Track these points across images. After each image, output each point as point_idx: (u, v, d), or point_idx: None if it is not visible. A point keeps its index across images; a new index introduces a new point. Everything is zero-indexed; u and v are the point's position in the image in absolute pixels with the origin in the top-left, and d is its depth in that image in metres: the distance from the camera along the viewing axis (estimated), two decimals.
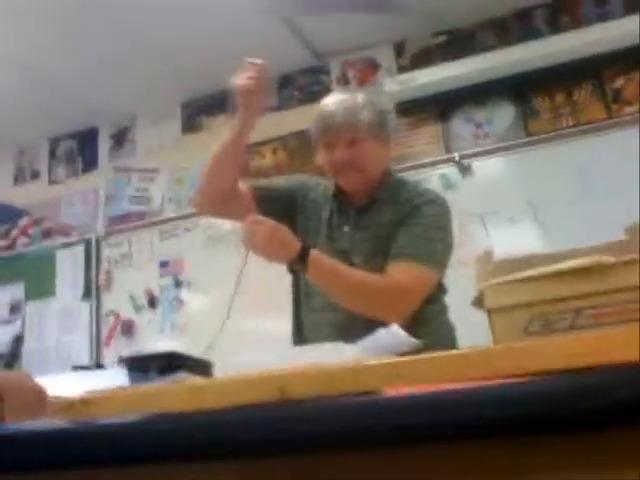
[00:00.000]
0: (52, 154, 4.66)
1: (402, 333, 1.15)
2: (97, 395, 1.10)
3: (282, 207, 1.88)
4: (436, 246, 1.76)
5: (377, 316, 1.50)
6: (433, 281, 1.76)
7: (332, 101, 1.82)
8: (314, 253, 1.67)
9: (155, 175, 4.30)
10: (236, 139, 1.80)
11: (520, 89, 3.58)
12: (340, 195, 1.88)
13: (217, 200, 1.87)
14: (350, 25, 3.73)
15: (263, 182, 1.98)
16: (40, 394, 1.02)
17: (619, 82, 3.43)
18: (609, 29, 3.37)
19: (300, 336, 1.88)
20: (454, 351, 0.94)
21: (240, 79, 1.74)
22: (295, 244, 1.66)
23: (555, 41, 3.48)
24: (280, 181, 2.01)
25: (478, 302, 1.12)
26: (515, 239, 3.21)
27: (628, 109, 3.37)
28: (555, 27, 3.60)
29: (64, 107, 4.27)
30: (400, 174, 2.00)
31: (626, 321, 0.95)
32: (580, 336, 0.87)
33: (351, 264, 1.74)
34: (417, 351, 1.08)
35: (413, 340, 1.14)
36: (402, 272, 1.69)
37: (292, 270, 1.71)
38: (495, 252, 1.17)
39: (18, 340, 4.24)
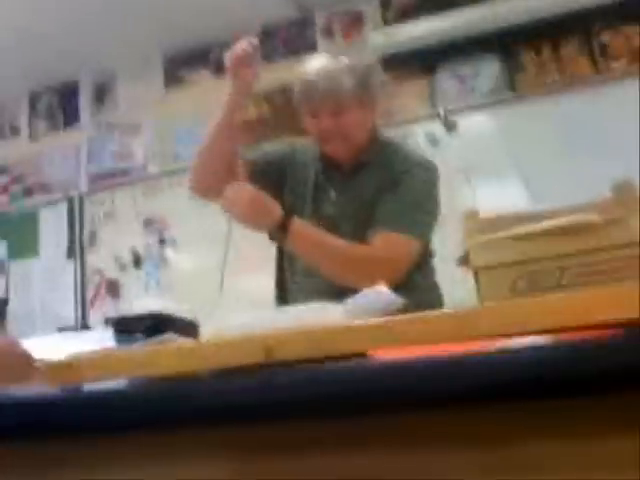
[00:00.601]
0: (32, 109, 4.57)
1: (389, 292, 1.15)
2: (83, 359, 1.10)
3: (273, 176, 1.85)
4: (422, 215, 1.75)
5: (360, 286, 1.51)
6: (418, 250, 1.74)
7: (315, 67, 1.77)
8: (295, 222, 1.65)
9: (138, 130, 4.24)
10: (229, 115, 1.77)
11: (506, 43, 3.55)
12: (326, 159, 1.86)
13: (216, 182, 1.78)
14: None
15: (255, 156, 1.91)
16: (27, 359, 1.02)
17: (606, 37, 3.40)
18: None
19: (284, 299, 1.87)
20: (441, 311, 0.94)
21: (231, 52, 1.70)
22: (276, 211, 1.63)
23: None
24: (270, 152, 1.95)
25: (464, 261, 1.12)
26: (501, 196, 3.21)
27: (614, 64, 3.35)
28: None
29: (44, 61, 4.19)
30: (387, 133, 1.96)
31: (612, 280, 0.95)
32: (567, 295, 0.87)
33: (337, 229, 1.72)
34: (404, 311, 1.08)
35: (400, 300, 1.14)
36: (386, 242, 1.68)
37: (273, 238, 1.69)
38: (481, 210, 1.16)
39: (3, 302, 4.21)
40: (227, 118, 1.77)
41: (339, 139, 1.76)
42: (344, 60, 1.77)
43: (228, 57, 1.71)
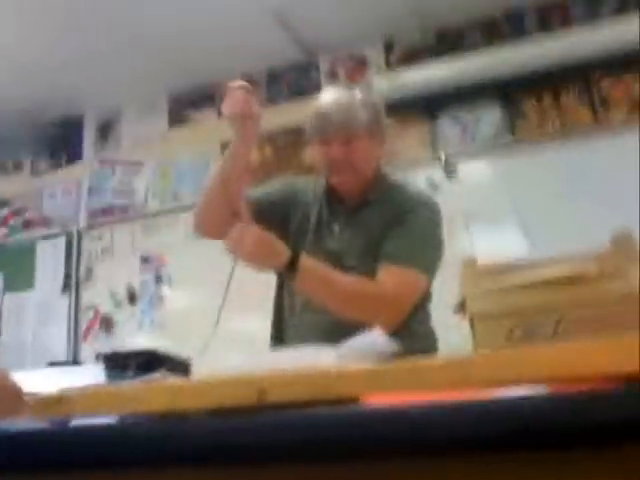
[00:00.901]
0: (36, 144, 4.60)
1: (383, 337, 1.14)
2: (73, 393, 1.08)
3: (277, 215, 1.85)
4: (428, 251, 1.75)
5: (369, 322, 1.49)
6: (423, 287, 1.74)
7: (329, 97, 1.80)
8: (304, 260, 1.64)
9: (140, 168, 4.27)
10: (236, 161, 1.77)
11: (508, 91, 3.58)
12: (332, 193, 1.86)
13: (220, 222, 1.78)
14: (340, 21, 3.72)
15: (258, 195, 1.91)
16: (16, 392, 1.00)
17: (606, 86, 3.44)
18: (598, 33, 3.38)
19: (280, 339, 1.86)
20: (435, 358, 0.93)
21: (230, 106, 1.68)
22: (284, 252, 1.63)
23: (544, 43, 3.49)
24: (273, 191, 1.95)
25: (460, 308, 1.12)
26: (499, 242, 3.21)
27: (614, 113, 3.39)
28: (545, 29, 3.61)
29: (50, 97, 4.23)
30: (393, 174, 1.97)
31: (610, 332, 0.94)
32: (563, 346, 0.86)
33: (341, 264, 1.72)
34: (398, 357, 1.07)
35: (395, 345, 1.13)
36: (394, 277, 1.67)
37: (281, 277, 1.68)
38: (479, 257, 1.16)
39: None
40: (233, 163, 1.77)
41: (348, 169, 1.77)
42: (357, 93, 1.80)
43: (226, 107, 1.69)
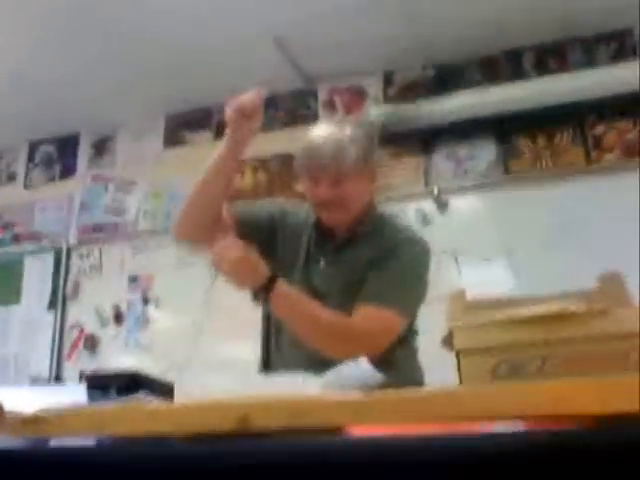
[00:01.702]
0: (30, 158, 4.60)
1: (369, 368, 1.13)
2: (52, 413, 1.07)
3: (262, 235, 1.84)
4: (408, 290, 1.73)
5: (337, 357, 1.48)
6: (401, 326, 1.72)
7: (319, 134, 1.77)
8: (280, 284, 1.63)
9: (133, 187, 4.26)
10: (223, 165, 1.77)
11: (503, 128, 3.62)
12: (321, 227, 1.85)
13: (199, 228, 1.81)
14: (341, 52, 3.75)
15: (244, 208, 1.92)
16: None
17: (600, 129, 3.48)
18: (594, 77, 3.42)
19: (267, 367, 1.84)
20: (421, 390, 0.93)
21: (231, 104, 1.70)
22: (263, 271, 1.62)
23: (541, 84, 3.53)
24: (260, 208, 1.95)
25: (447, 341, 1.11)
26: (488, 279, 3.21)
27: (607, 156, 3.42)
28: (542, 70, 3.65)
29: (47, 112, 4.23)
30: (382, 207, 1.97)
31: (596, 371, 0.94)
32: (547, 384, 0.86)
33: (324, 300, 1.70)
34: (383, 388, 1.06)
35: (380, 375, 1.12)
36: (369, 315, 1.66)
37: (256, 298, 1.67)
38: (467, 292, 1.16)
39: None
40: (220, 167, 1.77)
41: (337, 208, 1.76)
42: (347, 130, 1.78)
43: (231, 105, 1.70)
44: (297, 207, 1.95)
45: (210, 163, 1.79)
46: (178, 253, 3.83)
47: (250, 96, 1.70)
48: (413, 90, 3.85)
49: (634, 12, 3.31)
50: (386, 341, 1.67)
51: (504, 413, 0.81)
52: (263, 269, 1.63)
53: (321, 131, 1.79)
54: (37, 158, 4.58)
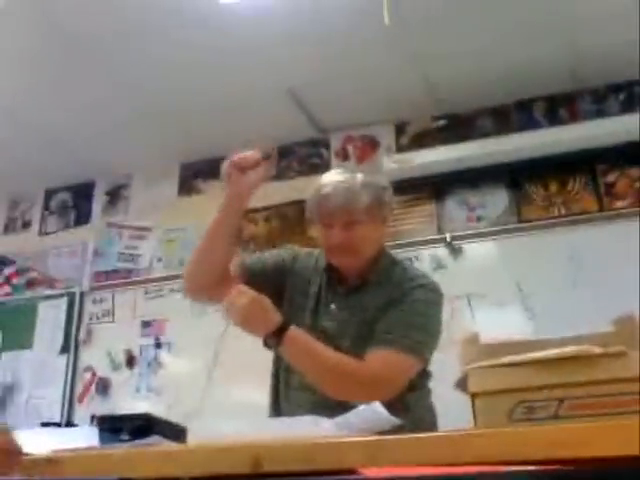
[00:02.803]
0: (46, 206, 4.66)
1: (383, 411, 1.12)
2: (64, 455, 1.07)
3: (271, 283, 1.84)
4: (420, 335, 1.72)
5: (351, 401, 1.47)
6: (412, 371, 1.71)
7: (331, 180, 1.79)
8: (292, 330, 1.64)
9: (147, 234, 4.30)
10: (223, 220, 1.79)
11: (515, 176, 3.64)
12: (331, 271, 1.86)
13: (207, 287, 1.82)
14: (353, 102, 3.80)
15: (252, 261, 1.93)
16: (16, 451, 0.98)
17: (612, 177, 3.50)
18: (604, 125, 3.46)
19: (277, 412, 1.83)
20: (435, 433, 0.92)
21: (230, 158, 1.73)
22: (274, 318, 1.63)
23: (552, 133, 3.57)
24: (269, 256, 1.96)
25: (461, 384, 1.10)
26: (502, 323, 3.20)
27: (619, 203, 3.43)
28: (553, 119, 3.70)
29: (62, 161, 4.30)
30: (394, 254, 1.97)
31: (611, 414, 0.93)
32: (563, 426, 0.85)
33: (335, 345, 1.70)
34: (396, 431, 1.05)
35: (393, 419, 1.11)
36: (380, 360, 1.66)
37: (267, 345, 1.67)
38: (481, 335, 1.15)
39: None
40: (221, 222, 1.79)
41: (349, 252, 1.77)
42: (359, 176, 1.80)
43: (226, 162, 1.74)
44: (308, 252, 1.96)
45: (211, 222, 1.81)
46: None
47: (244, 154, 1.73)
48: (425, 139, 3.89)
49: None
50: (398, 385, 1.66)
51: (520, 456, 0.80)
52: (274, 315, 1.63)
53: (333, 177, 1.82)
54: (53, 205, 4.64)
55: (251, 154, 1.74)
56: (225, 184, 1.76)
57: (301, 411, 1.66)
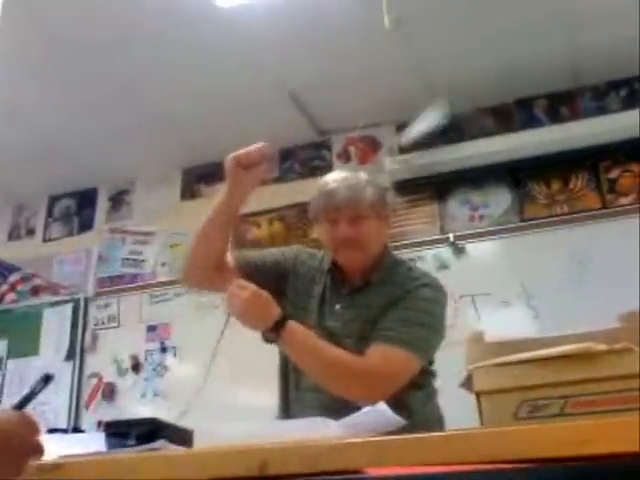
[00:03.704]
0: (49, 212, 4.67)
1: (389, 411, 1.13)
2: (71, 460, 1.07)
3: (269, 278, 1.84)
4: (422, 332, 1.72)
5: (349, 397, 1.46)
6: (413, 367, 1.70)
7: (335, 178, 1.82)
8: (291, 324, 1.64)
9: (150, 239, 4.30)
10: (222, 212, 1.80)
11: (517, 175, 3.64)
12: (335, 271, 1.86)
13: (203, 274, 1.84)
14: (354, 104, 3.80)
15: (251, 256, 1.94)
16: (35, 450, 0.96)
17: (614, 173, 3.49)
18: (606, 122, 3.45)
19: (286, 413, 1.83)
20: (441, 433, 0.92)
21: (237, 154, 1.74)
22: (274, 312, 1.63)
23: (553, 131, 3.56)
24: (270, 254, 1.96)
25: (467, 384, 1.10)
26: (507, 322, 3.20)
27: (622, 200, 3.43)
28: (554, 117, 3.69)
29: (65, 167, 4.31)
30: (397, 254, 1.98)
31: (617, 410, 0.93)
32: (570, 424, 0.85)
33: (339, 344, 1.70)
34: (402, 431, 1.05)
35: (399, 419, 1.11)
36: (380, 355, 1.65)
37: (266, 339, 1.67)
38: (486, 334, 1.15)
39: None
40: (219, 214, 1.80)
41: (355, 247, 1.78)
42: (363, 174, 1.83)
43: (230, 157, 1.74)
44: (311, 253, 1.97)
45: (208, 212, 1.82)
46: (196, 300, 3.84)
47: (252, 148, 1.74)
48: (426, 139, 3.88)
49: None
50: (398, 381, 1.66)
51: (527, 455, 0.80)
52: (274, 309, 1.63)
53: (337, 175, 1.85)
54: (56, 212, 4.65)
55: (254, 150, 1.74)
56: (227, 179, 1.76)
57: (312, 412, 1.65)
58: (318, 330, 1.75)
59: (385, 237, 1.88)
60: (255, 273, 1.82)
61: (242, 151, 1.74)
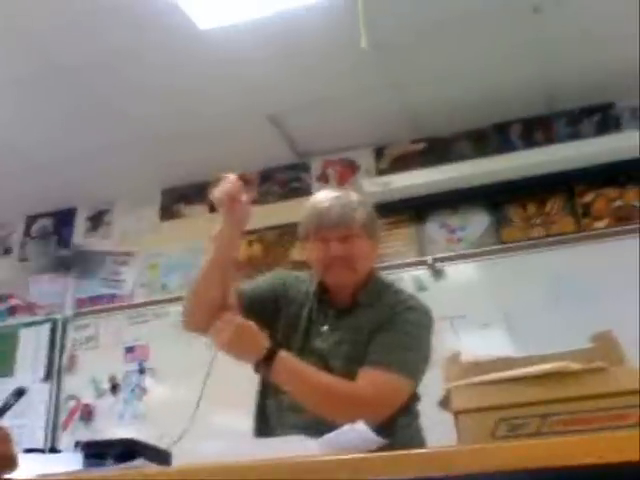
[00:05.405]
0: (27, 232, 4.63)
1: (368, 431, 1.13)
2: (48, 479, 1.06)
3: (267, 309, 1.85)
4: (410, 355, 1.72)
5: (342, 423, 1.46)
6: (405, 392, 1.71)
7: (327, 197, 1.82)
8: (281, 354, 1.64)
9: (129, 259, 4.28)
10: (222, 251, 1.77)
11: (494, 198, 3.68)
12: (322, 293, 1.86)
13: (208, 317, 1.76)
14: (333, 127, 3.84)
15: (248, 288, 1.91)
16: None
17: (588, 197, 3.55)
18: (580, 147, 3.52)
19: (263, 432, 1.82)
20: (418, 450, 0.93)
21: (220, 190, 1.71)
22: (263, 343, 1.63)
23: (529, 155, 3.62)
24: (262, 283, 1.95)
25: (444, 403, 1.11)
26: (485, 344, 3.21)
27: (597, 224, 3.48)
28: (529, 142, 3.75)
29: (44, 188, 4.28)
30: (384, 276, 1.98)
31: (592, 429, 0.95)
32: (544, 441, 0.86)
33: (327, 365, 1.71)
34: (382, 450, 1.06)
35: (379, 439, 1.12)
36: (372, 381, 1.65)
37: (257, 370, 1.66)
38: (463, 355, 1.17)
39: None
40: (219, 254, 1.77)
41: (345, 266, 1.78)
42: (352, 194, 1.84)
43: (216, 191, 1.72)
44: (297, 276, 1.96)
45: (206, 258, 1.79)
46: (174, 322, 3.79)
47: (230, 180, 1.72)
48: (404, 163, 3.92)
49: (615, 87, 3.45)
50: (392, 406, 1.66)
51: (500, 468, 0.82)
52: (263, 340, 1.64)
53: (328, 194, 1.84)
54: (34, 232, 4.61)
55: (234, 179, 1.73)
56: (223, 214, 1.73)
57: (293, 432, 1.64)
58: (306, 350, 1.76)
59: (375, 257, 1.88)
60: (253, 305, 1.82)
61: (226, 186, 1.71)
